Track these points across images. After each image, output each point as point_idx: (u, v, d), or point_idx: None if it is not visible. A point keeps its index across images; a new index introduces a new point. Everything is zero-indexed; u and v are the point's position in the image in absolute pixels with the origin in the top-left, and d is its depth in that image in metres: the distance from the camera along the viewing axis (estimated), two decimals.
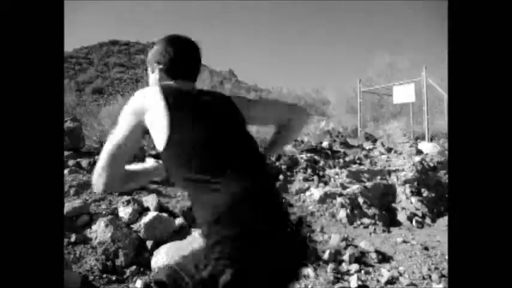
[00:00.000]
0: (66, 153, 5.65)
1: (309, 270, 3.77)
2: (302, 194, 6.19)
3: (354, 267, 4.02)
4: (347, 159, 8.24)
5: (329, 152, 8.59)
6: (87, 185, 4.74)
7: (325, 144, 9.03)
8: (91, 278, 3.19)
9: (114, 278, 3.26)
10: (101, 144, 6.06)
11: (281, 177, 6.53)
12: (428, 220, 6.10)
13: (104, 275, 3.25)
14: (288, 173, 6.81)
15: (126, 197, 4.22)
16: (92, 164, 5.31)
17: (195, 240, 3.64)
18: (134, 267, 3.42)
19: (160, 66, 1.66)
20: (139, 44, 53.12)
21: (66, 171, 5.02)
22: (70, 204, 3.93)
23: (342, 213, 5.58)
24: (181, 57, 1.65)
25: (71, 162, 5.32)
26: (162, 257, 3.44)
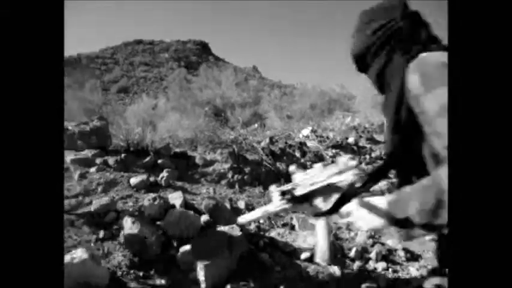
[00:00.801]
0: (93, 151, 5.76)
1: (335, 268, 3.74)
2: None
3: (381, 265, 3.97)
4: (373, 155, 8.13)
5: (355, 147, 8.50)
6: (114, 182, 4.82)
7: (351, 140, 8.93)
8: (119, 273, 3.24)
9: (141, 274, 3.31)
10: (127, 142, 6.15)
11: None
12: None
13: (131, 271, 3.30)
14: None
15: (152, 195, 4.28)
16: (119, 162, 5.40)
17: (220, 237, 3.66)
18: (161, 263, 3.46)
19: None
20: (163, 42, 53.73)
21: (93, 169, 5.12)
22: (98, 202, 4.01)
23: None
24: None
25: (98, 161, 5.42)
26: (188, 254, 3.47)
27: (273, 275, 3.58)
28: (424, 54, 1.27)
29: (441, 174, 1.14)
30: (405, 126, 1.29)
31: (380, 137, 10.30)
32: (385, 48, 1.34)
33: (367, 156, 7.87)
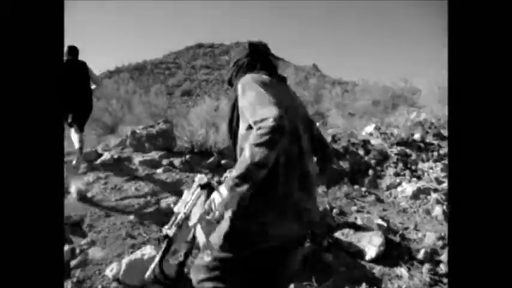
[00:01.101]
0: (159, 153, 5.99)
1: (402, 270, 3.61)
2: (393, 190, 5.94)
3: None
4: (441, 151, 7.73)
5: (421, 144, 8.13)
6: (180, 182, 4.99)
7: (417, 136, 8.55)
8: (186, 270, 3.35)
9: None
10: (191, 144, 6.34)
11: (370, 172, 6.33)
12: None
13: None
14: (378, 168, 6.58)
15: None
16: (184, 163, 5.58)
17: None
18: None
19: None
20: (224, 45, 54.73)
21: (160, 170, 5.33)
22: (165, 201, 4.17)
23: (438, 210, 5.25)
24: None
25: (164, 162, 5.64)
26: None
27: (338, 275, 3.52)
28: (246, 75, 1.84)
29: (245, 152, 1.51)
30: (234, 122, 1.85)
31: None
32: (238, 74, 2.00)
33: (435, 153, 7.51)
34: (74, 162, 4.86)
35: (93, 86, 5.31)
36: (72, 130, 4.97)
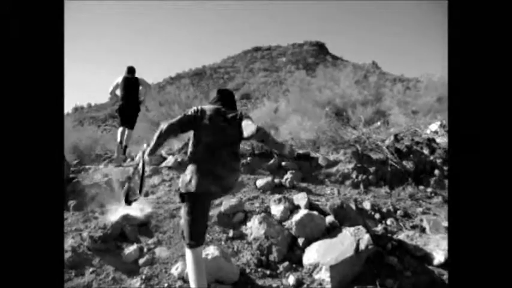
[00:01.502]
0: None
1: None
2: None
3: None
4: None
5: None
6: (241, 184, 5.05)
7: None
8: (247, 271, 3.38)
9: (268, 272, 3.41)
10: (252, 146, 6.39)
11: (436, 172, 6.04)
12: None
13: (259, 269, 3.42)
14: (445, 168, 6.27)
15: (277, 196, 4.38)
16: (245, 166, 5.64)
17: (346, 238, 3.59)
18: (287, 263, 3.52)
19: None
20: (280, 47, 54.78)
21: None
22: (227, 203, 4.24)
23: None
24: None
25: None
26: (314, 254, 3.47)
27: (403, 280, 3.40)
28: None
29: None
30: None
31: None
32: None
33: None
34: (115, 155, 6.41)
35: (141, 98, 6.96)
36: (121, 128, 6.67)
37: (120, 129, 6.66)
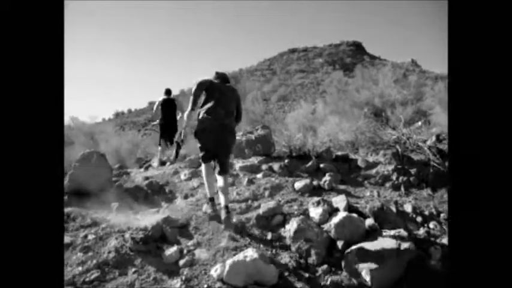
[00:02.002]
0: (259, 158, 6.13)
1: None
2: None
3: None
4: None
5: None
6: (279, 187, 5.05)
7: None
8: (286, 273, 3.37)
9: (307, 275, 3.38)
10: (290, 148, 6.38)
11: None
12: None
13: (298, 272, 3.40)
14: None
15: (316, 198, 4.35)
16: (283, 168, 5.64)
17: (386, 241, 3.52)
18: (326, 266, 3.48)
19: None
20: (316, 48, 54.35)
21: (260, 175, 5.44)
22: (265, 205, 4.25)
23: None
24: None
25: (264, 167, 5.75)
26: (354, 257, 3.41)
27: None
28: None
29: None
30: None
31: None
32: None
33: None
34: (155, 163, 7.41)
35: (179, 116, 8.12)
36: (162, 141, 7.91)
37: (162, 141, 8.00)
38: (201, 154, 4.28)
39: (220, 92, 4.25)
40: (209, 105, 4.17)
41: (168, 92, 8.12)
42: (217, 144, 4.16)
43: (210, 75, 4.52)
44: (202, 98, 4.28)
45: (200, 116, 4.18)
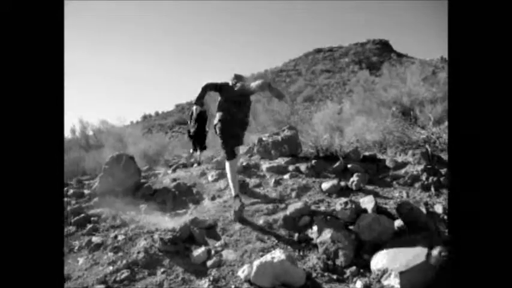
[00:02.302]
0: (286, 159, 6.12)
1: None
2: None
3: None
4: None
5: None
6: (306, 188, 5.02)
7: None
8: (314, 275, 3.35)
9: (334, 277, 3.35)
10: (316, 149, 6.34)
11: None
12: None
13: (325, 274, 3.37)
14: None
15: (343, 199, 4.31)
16: (310, 168, 5.61)
17: (416, 243, 3.45)
18: (354, 267, 3.44)
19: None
20: (342, 47, 53.82)
21: (287, 176, 5.43)
22: (292, 206, 4.24)
23: None
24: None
25: (290, 168, 5.73)
26: (382, 259, 3.36)
27: None
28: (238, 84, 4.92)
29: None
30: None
31: None
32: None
33: None
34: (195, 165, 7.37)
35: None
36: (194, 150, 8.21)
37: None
38: (224, 151, 4.70)
39: (229, 92, 4.76)
40: (223, 105, 4.74)
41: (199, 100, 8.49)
42: (232, 136, 4.69)
43: (230, 77, 5.11)
44: (219, 99, 4.86)
45: (217, 116, 4.73)
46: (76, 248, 3.94)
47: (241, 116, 4.74)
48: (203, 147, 5.09)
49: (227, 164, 4.66)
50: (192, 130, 4.98)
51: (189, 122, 5.04)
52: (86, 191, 5.80)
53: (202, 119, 5.42)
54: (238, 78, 5.02)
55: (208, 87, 4.68)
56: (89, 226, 4.44)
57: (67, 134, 13.47)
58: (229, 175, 4.60)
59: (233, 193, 4.46)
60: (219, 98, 4.81)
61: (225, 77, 5.73)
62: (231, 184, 4.56)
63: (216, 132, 4.75)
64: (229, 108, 4.67)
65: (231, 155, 4.64)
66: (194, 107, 4.84)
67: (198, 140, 7.22)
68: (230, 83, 4.88)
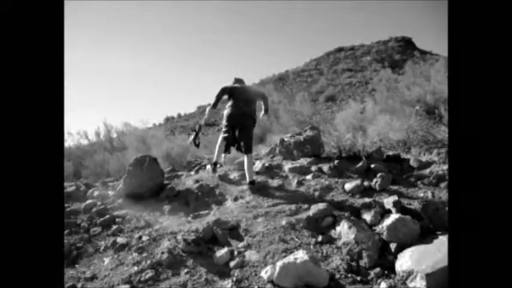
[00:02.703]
0: (308, 159, 6.10)
1: None
2: None
3: None
4: None
5: None
6: (329, 188, 4.99)
7: None
8: (337, 276, 3.32)
9: (358, 278, 3.31)
10: (339, 149, 6.29)
11: None
12: None
13: (349, 275, 3.33)
14: None
15: (367, 199, 4.26)
16: (332, 169, 5.57)
17: (443, 244, 3.38)
18: (378, 269, 3.39)
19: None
20: (364, 46, 53.21)
21: (309, 177, 5.41)
22: (315, 207, 4.21)
23: None
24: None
25: (313, 168, 5.70)
26: (407, 261, 3.31)
27: None
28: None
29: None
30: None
31: None
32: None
33: None
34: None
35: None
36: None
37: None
38: (223, 130, 5.58)
39: (238, 91, 5.63)
40: (231, 102, 5.59)
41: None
42: (240, 129, 5.47)
43: (248, 79, 6.07)
44: (226, 99, 5.69)
45: (225, 110, 5.59)
46: (102, 248, 4.03)
47: (248, 110, 5.57)
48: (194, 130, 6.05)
49: (219, 139, 5.70)
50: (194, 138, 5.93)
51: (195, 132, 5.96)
52: (111, 193, 5.91)
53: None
54: (238, 81, 6.00)
55: (223, 92, 5.60)
56: (114, 227, 4.53)
57: (91, 136, 13.73)
58: (216, 148, 5.71)
59: (213, 160, 5.80)
60: (229, 98, 5.69)
61: (246, 82, 6.19)
62: (215, 155, 5.77)
63: (223, 120, 5.62)
64: (239, 104, 5.53)
65: (226, 135, 5.54)
66: (197, 126, 6.05)
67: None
68: (237, 85, 5.85)
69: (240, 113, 5.52)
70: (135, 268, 3.49)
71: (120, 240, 4.10)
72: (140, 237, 4.09)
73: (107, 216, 4.83)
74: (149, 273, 3.37)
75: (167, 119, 41.18)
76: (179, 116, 41.84)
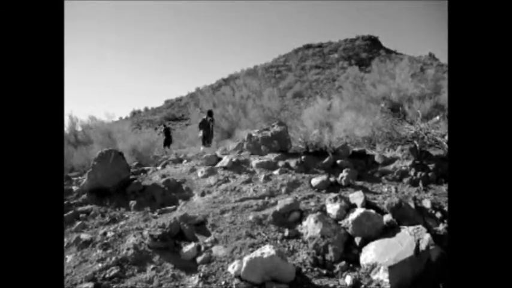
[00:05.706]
0: (275, 155, 6.12)
1: None
2: None
3: None
4: None
5: None
6: (296, 183, 5.04)
7: None
8: (304, 270, 3.36)
9: (324, 272, 3.37)
10: (306, 144, 6.35)
11: None
12: None
13: (315, 269, 3.39)
14: None
15: (333, 194, 4.32)
16: (299, 164, 5.62)
17: (405, 238, 3.48)
18: (343, 262, 3.46)
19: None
20: (332, 43, 53.90)
21: (276, 172, 5.44)
22: (282, 202, 4.24)
23: None
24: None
25: (280, 163, 5.74)
26: (371, 254, 3.39)
27: None
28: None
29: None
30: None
31: None
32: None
33: None
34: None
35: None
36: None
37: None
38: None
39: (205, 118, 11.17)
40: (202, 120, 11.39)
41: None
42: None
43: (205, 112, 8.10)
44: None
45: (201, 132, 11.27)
46: (64, 245, 3.91)
47: (209, 129, 11.04)
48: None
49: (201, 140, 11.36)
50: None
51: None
52: (75, 188, 5.75)
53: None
54: (209, 113, 10.53)
55: (200, 124, 11.55)
56: (78, 223, 4.41)
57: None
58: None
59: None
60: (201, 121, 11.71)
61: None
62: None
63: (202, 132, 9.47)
64: (205, 126, 10.87)
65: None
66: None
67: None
68: (205, 117, 11.14)
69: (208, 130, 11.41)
70: (100, 265, 3.42)
71: (84, 236, 3.99)
72: (105, 233, 4.01)
73: (70, 212, 4.70)
74: (114, 270, 3.31)
75: (134, 113, 40.41)
76: (146, 109, 41.15)
